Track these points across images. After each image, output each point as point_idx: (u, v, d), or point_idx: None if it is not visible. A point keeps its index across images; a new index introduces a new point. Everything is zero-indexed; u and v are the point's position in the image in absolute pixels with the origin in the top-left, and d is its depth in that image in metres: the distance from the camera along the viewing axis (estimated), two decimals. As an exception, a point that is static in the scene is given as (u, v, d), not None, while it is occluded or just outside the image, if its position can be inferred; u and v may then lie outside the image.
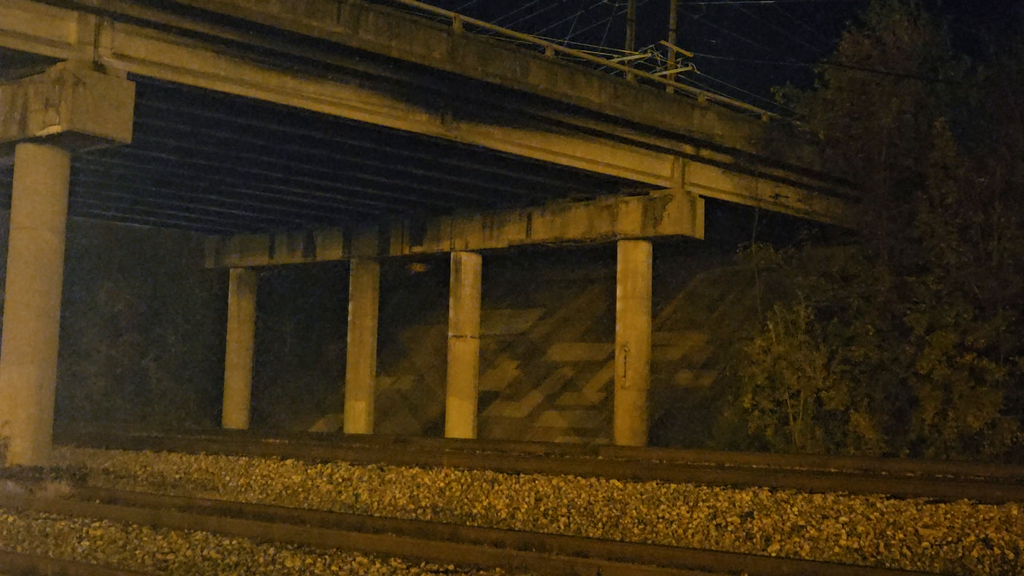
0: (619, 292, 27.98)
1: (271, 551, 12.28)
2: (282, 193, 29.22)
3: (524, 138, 24.32)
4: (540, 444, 24.77)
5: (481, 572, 11.26)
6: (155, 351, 37.37)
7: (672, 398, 29.02)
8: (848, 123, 26.73)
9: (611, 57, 32.46)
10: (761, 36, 68.06)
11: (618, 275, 28.03)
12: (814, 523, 14.13)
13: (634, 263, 27.73)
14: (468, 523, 15.65)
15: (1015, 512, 13.48)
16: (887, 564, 12.86)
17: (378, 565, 11.49)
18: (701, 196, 27.46)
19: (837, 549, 13.38)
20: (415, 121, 22.48)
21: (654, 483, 16.61)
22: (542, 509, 16.38)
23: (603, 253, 31.01)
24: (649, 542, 14.08)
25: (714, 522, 14.80)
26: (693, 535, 14.57)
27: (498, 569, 11.31)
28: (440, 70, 21.82)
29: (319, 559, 11.80)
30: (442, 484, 18.09)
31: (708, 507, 15.24)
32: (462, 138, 23.30)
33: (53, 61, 18.09)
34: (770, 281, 27.57)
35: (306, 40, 20.09)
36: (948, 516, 13.70)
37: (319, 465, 20.14)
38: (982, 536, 13.03)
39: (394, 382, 35.29)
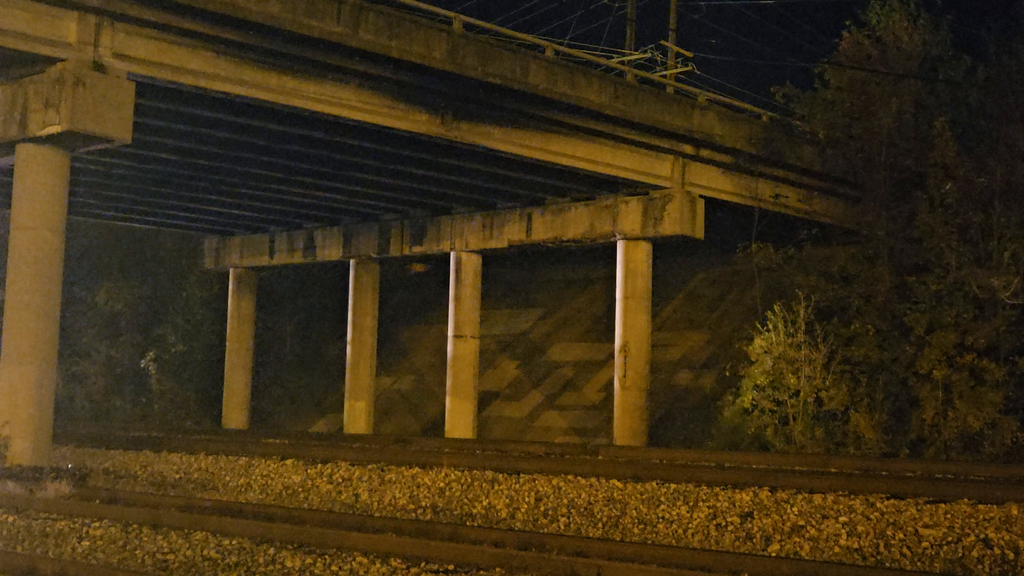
0: (619, 292, 27.98)
1: (271, 551, 12.28)
2: (282, 193, 29.23)
3: (524, 138, 24.32)
4: (540, 444, 24.76)
5: (481, 572, 11.26)
6: (155, 351, 37.37)
7: (672, 398, 29.02)
8: (848, 123, 26.75)
9: (611, 57, 32.45)
10: (761, 36, 68.14)
11: (618, 275, 28.03)
12: (814, 523, 14.13)
13: (634, 263, 27.73)
14: (468, 523, 15.66)
15: (1015, 512, 13.48)
16: (887, 564, 12.86)
17: (378, 565, 11.49)
18: (701, 196, 27.45)
19: (837, 549, 13.39)
20: (415, 121, 22.48)
21: (654, 483, 16.61)
22: (542, 509, 16.38)
23: (603, 253, 31.00)
24: (649, 542, 14.08)
25: (714, 522, 14.80)
26: (693, 535, 14.58)
27: (498, 569, 11.31)
28: (440, 70, 21.81)
29: (319, 559, 11.80)
30: (442, 484, 18.09)
31: (708, 507, 15.24)
32: (462, 138, 23.30)
33: (53, 61, 18.09)
34: (770, 281, 27.56)
35: (306, 40, 20.09)
36: (948, 516, 13.70)
37: (319, 465, 20.14)
38: (982, 536, 13.03)
39: (394, 382, 35.29)
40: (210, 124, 22.47)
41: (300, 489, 19.21)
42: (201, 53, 19.47)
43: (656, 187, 27.08)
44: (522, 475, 17.97)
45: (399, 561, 11.66)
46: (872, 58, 27.22)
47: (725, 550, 13.36)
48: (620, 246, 27.95)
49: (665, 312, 31.73)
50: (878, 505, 14.39)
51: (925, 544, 13.12)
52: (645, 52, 34.85)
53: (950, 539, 13.11)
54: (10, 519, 14.74)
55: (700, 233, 27.35)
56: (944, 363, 22.52)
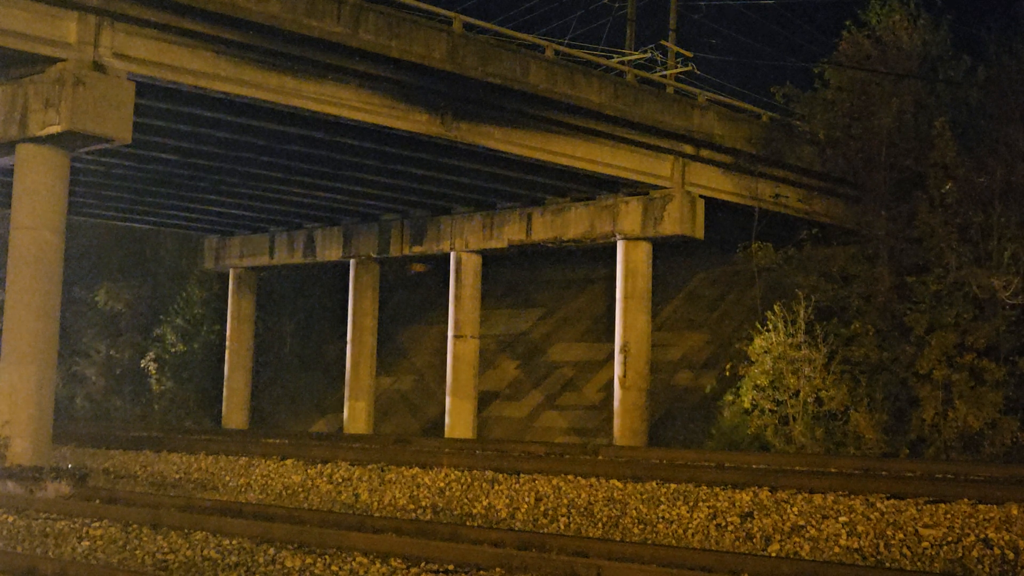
0: (619, 292, 27.98)
1: (271, 551, 12.28)
2: (282, 193, 29.23)
3: (524, 138, 24.32)
4: (540, 444, 24.76)
5: (481, 572, 11.26)
6: (155, 351, 37.37)
7: (672, 398, 29.01)
8: (848, 123, 26.75)
9: (611, 57, 32.45)
10: (761, 36, 68.17)
11: (618, 275, 28.03)
12: (814, 523, 14.13)
13: (634, 263, 27.73)
14: (468, 523, 15.66)
15: (1015, 512, 13.48)
16: (887, 564, 12.86)
17: (378, 565, 11.49)
18: (701, 196, 27.46)
19: (837, 549, 13.39)
20: (415, 121, 22.48)
21: (654, 483, 16.60)
22: (542, 509, 16.38)
23: (603, 253, 31.00)
24: (649, 542, 14.08)
25: (714, 522, 14.80)
26: (693, 535, 14.58)
27: (498, 569, 11.31)
28: (440, 70, 21.82)
29: (319, 559, 11.80)
30: (442, 484, 18.09)
31: (708, 507, 15.24)
32: (462, 138, 23.30)
33: (53, 61, 18.09)
34: (770, 281, 27.57)
35: (306, 40, 20.09)
36: (948, 516, 13.70)
37: (319, 465, 20.14)
38: (982, 536, 13.03)
39: (394, 382, 35.29)
40: (210, 124, 22.47)
41: (300, 489, 19.21)
42: (201, 53, 19.47)
43: (656, 187, 27.08)
44: (522, 475, 17.97)
45: (399, 561, 11.65)
46: (872, 58, 27.22)
47: (725, 550, 13.36)
48: (620, 246, 27.95)
49: (665, 312, 31.72)
50: (878, 505, 14.39)
51: (925, 544, 13.12)
52: (645, 52, 34.85)
53: (950, 539, 13.11)
54: (10, 519, 14.74)
55: (700, 233, 27.35)
56: (944, 363, 22.52)
